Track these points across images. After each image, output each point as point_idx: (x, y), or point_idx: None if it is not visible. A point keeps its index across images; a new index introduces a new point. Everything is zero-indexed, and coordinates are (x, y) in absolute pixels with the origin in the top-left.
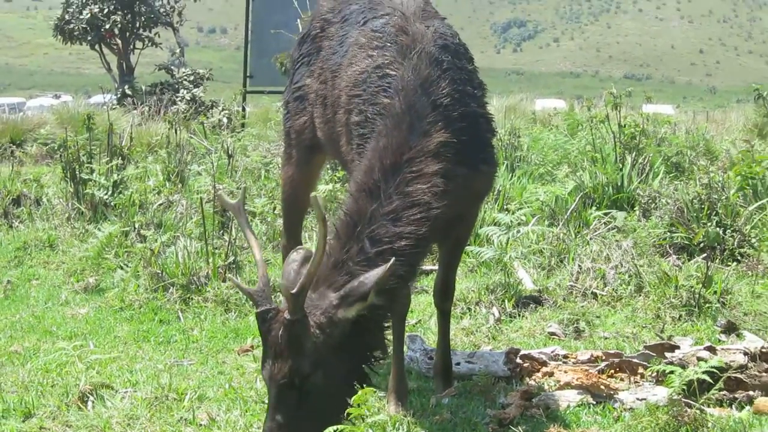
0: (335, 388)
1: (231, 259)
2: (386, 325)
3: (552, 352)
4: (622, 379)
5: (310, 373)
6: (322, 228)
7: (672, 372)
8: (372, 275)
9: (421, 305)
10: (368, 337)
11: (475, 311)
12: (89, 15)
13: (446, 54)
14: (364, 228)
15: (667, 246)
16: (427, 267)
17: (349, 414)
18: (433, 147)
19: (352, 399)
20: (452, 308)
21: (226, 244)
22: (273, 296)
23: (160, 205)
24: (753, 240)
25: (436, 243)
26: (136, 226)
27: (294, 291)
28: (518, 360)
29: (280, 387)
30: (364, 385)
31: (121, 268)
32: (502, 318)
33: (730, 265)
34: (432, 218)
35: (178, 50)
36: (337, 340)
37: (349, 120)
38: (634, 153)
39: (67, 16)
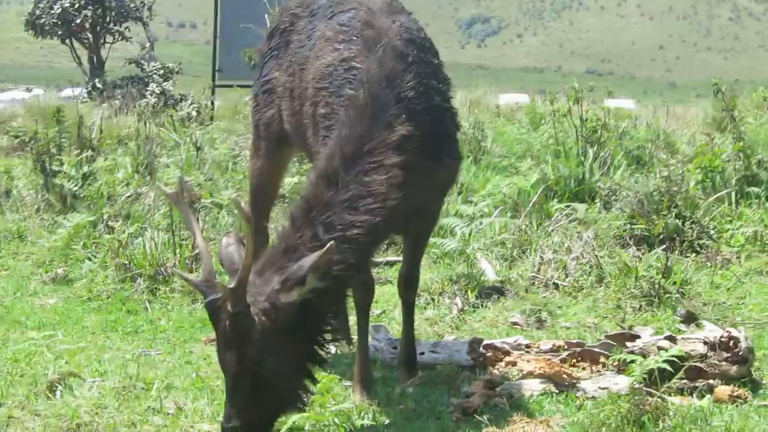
0: (289, 371)
1: (197, 250)
2: (336, 308)
3: (515, 341)
4: (583, 369)
5: (259, 359)
6: (249, 228)
7: (633, 361)
8: (309, 258)
9: (386, 296)
10: (317, 319)
11: (438, 302)
12: (60, 10)
13: (412, 48)
14: (318, 214)
15: (628, 237)
16: (391, 258)
17: (313, 401)
18: (395, 139)
19: (317, 387)
20: (416, 299)
21: (192, 236)
22: (219, 284)
23: (129, 197)
24: (712, 231)
25: (400, 234)
26: (105, 217)
27: (233, 286)
28: (481, 350)
29: (234, 375)
30: (318, 366)
31: (90, 259)
32: (465, 308)
33: (689, 256)
34: (388, 209)
35: (147, 44)
36: (283, 324)
37: (316, 112)
38: (596, 146)
39: (38, 11)
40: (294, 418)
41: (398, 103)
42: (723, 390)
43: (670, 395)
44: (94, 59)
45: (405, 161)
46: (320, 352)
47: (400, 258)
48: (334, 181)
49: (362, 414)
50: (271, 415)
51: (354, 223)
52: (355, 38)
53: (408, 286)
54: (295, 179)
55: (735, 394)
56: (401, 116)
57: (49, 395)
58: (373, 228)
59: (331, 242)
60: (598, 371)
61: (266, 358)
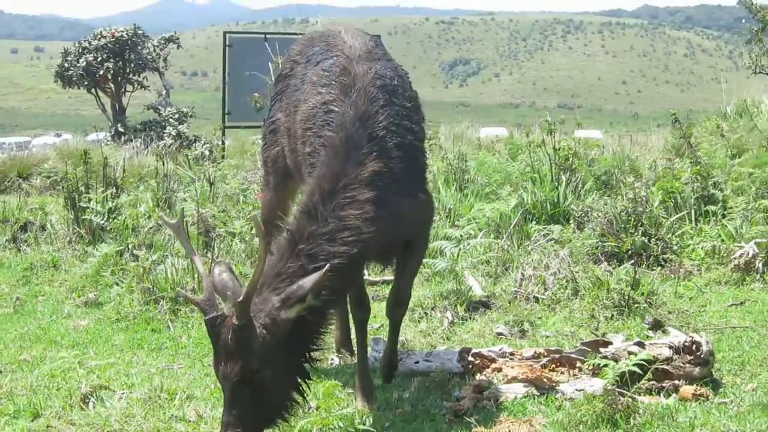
0: (282, 382)
1: (198, 274)
2: (323, 329)
3: (500, 350)
4: (562, 373)
5: (259, 369)
6: (262, 242)
7: (606, 365)
8: (309, 279)
9: (384, 311)
10: (308, 337)
11: (431, 315)
12: (85, 63)
13: (383, 93)
14: (303, 246)
15: (599, 254)
16: (388, 278)
17: (319, 407)
18: (367, 175)
19: (322, 391)
20: (411, 313)
21: (210, 260)
22: (218, 304)
23: (151, 228)
24: (675, 247)
25: (388, 264)
26: (130, 247)
27: (240, 299)
28: (470, 358)
29: (234, 385)
30: (307, 380)
31: (117, 284)
32: (455, 321)
33: (655, 270)
34: (363, 241)
35: (164, 92)
36: (280, 338)
37: (303, 150)
38: (568, 173)
39: (66, 64)
40: (302, 423)
41: (370, 142)
42: (687, 389)
43: (639, 395)
44: (117, 106)
45: (376, 196)
46: (306, 367)
47: None
48: (314, 215)
49: (363, 418)
50: (265, 422)
51: (335, 254)
52: (333, 83)
53: (396, 307)
54: None
55: (698, 393)
56: (372, 154)
57: (83, 406)
58: (352, 258)
59: (328, 264)
60: (575, 375)
61: (264, 368)
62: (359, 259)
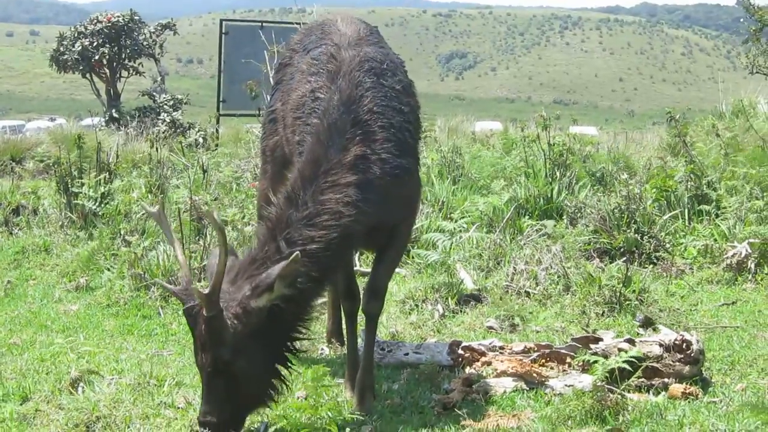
0: (259, 371)
1: (206, 261)
2: (305, 317)
3: (490, 343)
4: (552, 368)
5: (231, 360)
6: (221, 237)
7: (596, 361)
8: (277, 267)
9: None
10: (285, 326)
11: (421, 308)
12: (81, 47)
13: (370, 75)
14: (281, 230)
15: (592, 250)
16: None
17: (308, 396)
18: (349, 160)
19: (309, 377)
20: (402, 305)
21: (201, 248)
22: (195, 290)
23: (143, 214)
24: (667, 245)
25: (369, 249)
26: (122, 232)
27: (207, 292)
28: (460, 351)
29: (209, 374)
30: (286, 369)
31: (109, 269)
32: (445, 314)
33: (647, 267)
34: (343, 225)
35: (159, 78)
36: (253, 327)
37: (293, 139)
38: (562, 169)
39: (61, 49)
40: (290, 411)
41: (354, 126)
42: (676, 388)
43: (629, 392)
44: (111, 92)
45: (360, 180)
46: (289, 356)
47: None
48: (294, 201)
49: (352, 408)
50: (243, 410)
51: (313, 238)
52: (321, 71)
53: (370, 299)
54: None
55: (687, 391)
56: (356, 138)
57: (72, 391)
58: (330, 243)
59: (296, 252)
60: (565, 370)
61: (238, 358)
62: (340, 245)
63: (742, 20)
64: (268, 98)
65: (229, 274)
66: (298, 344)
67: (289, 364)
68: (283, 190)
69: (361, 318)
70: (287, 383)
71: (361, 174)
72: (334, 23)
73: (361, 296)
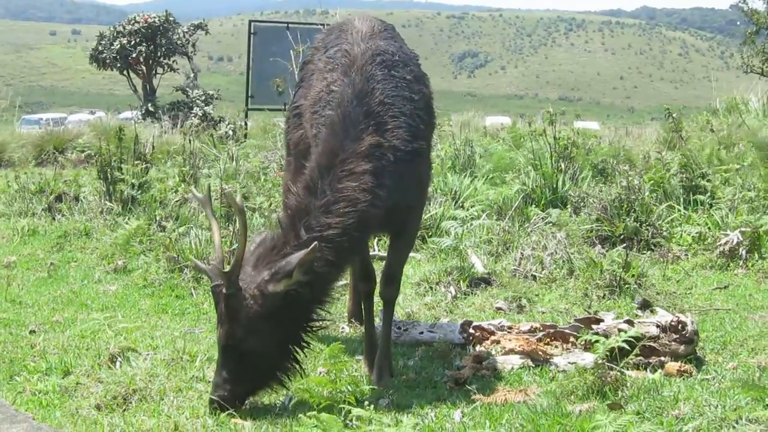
0: (272, 351)
1: (235, 245)
2: (323, 300)
3: (499, 323)
4: (556, 347)
5: (243, 337)
6: (241, 218)
7: (597, 341)
8: (296, 256)
9: None
10: (302, 308)
11: (435, 290)
12: (119, 46)
13: (382, 68)
14: (300, 218)
15: (594, 237)
16: None
17: (329, 371)
18: (363, 149)
19: (325, 352)
20: (417, 287)
21: (231, 233)
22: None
23: (177, 201)
24: (664, 232)
25: (384, 233)
26: (158, 218)
27: (227, 271)
28: (471, 330)
29: (223, 348)
30: (301, 350)
31: (144, 253)
32: (457, 295)
33: (645, 253)
34: (360, 211)
35: (192, 75)
36: (269, 310)
37: (311, 133)
38: (567, 161)
39: (100, 47)
40: (312, 386)
41: (367, 117)
42: (672, 366)
43: (627, 369)
44: (147, 87)
45: (375, 167)
46: (306, 336)
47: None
48: (313, 189)
49: (370, 382)
50: (255, 387)
51: (330, 225)
52: (336, 67)
53: (387, 283)
54: None
55: (682, 369)
56: (369, 128)
57: (110, 365)
58: (347, 229)
59: (315, 242)
60: (568, 349)
61: (250, 336)
62: (357, 230)
63: (738, 23)
64: (293, 94)
65: (251, 258)
66: (315, 325)
67: (305, 345)
68: (302, 180)
69: (379, 300)
70: (301, 364)
71: (376, 161)
72: (352, 22)
73: (378, 281)
